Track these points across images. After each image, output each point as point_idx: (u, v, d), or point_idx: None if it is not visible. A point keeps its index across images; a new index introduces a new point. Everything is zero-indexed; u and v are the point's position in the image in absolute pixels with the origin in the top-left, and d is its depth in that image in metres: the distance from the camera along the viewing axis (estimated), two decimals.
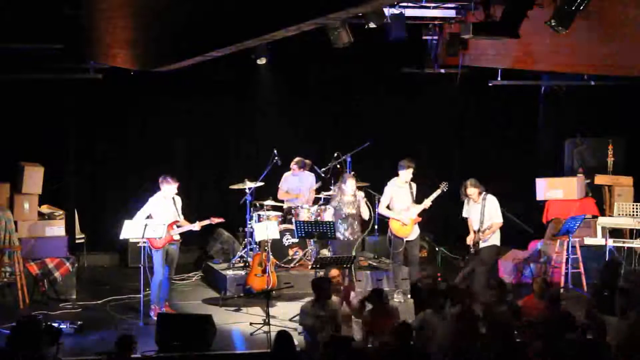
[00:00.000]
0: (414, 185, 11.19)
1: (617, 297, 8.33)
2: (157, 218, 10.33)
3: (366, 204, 11.24)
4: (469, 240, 10.75)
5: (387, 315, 8.53)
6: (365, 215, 11.14)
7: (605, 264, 10.56)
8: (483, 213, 10.65)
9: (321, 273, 9.84)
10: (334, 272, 9.02)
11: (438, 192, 11.05)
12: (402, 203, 11.11)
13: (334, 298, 8.76)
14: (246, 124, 13.99)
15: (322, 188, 12.56)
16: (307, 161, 12.44)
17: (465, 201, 10.86)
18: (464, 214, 10.92)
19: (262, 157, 12.46)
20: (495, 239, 10.73)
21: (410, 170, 11.04)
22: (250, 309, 10.70)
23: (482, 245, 10.65)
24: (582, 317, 8.34)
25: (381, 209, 11.27)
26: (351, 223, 11.05)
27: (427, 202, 11.05)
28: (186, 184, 11.84)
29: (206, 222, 10.57)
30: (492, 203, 10.72)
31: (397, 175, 11.18)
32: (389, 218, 11.19)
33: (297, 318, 9.08)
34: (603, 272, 9.96)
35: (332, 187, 12.20)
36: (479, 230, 10.67)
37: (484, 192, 10.71)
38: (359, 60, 12.83)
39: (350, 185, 11.01)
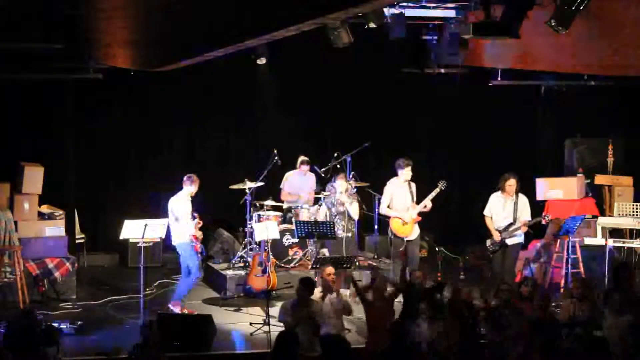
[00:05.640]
0: (413, 185, 11.19)
1: (617, 294, 8.33)
2: (187, 218, 10.40)
3: (359, 202, 11.30)
4: (496, 237, 10.74)
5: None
6: (355, 215, 11.18)
7: (615, 269, 10.43)
8: (516, 210, 10.72)
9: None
10: (329, 269, 9.01)
11: (437, 190, 11.07)
12: (402, 202, 11.12)
13: (320, 296, 8.76)
14: (246, 124, 14.00)
15: (322, 189, 12.56)
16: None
17: (493, 198, 10.87)
18: (486, 212, 10.90)
19: (262, 157, 12.47)
20: (521, 237, 10.86)
21: (409, 169, 11.06)
22: (250, 309, 10.71)
23: (510, 242, 10.73)
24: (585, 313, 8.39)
25: (382, 209, 11.27)
26: (341, 221, 11.08)
27: (427, 201, 11.07)
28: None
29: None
30: (525, 200, 10.85)
31: (396, 175, 11.19)
32: (389, 218, 11.20)
33: None
34: (615, 275, 9.81)
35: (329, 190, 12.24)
36: (507, 227, 10.69)
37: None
38: (359, 60, 12.82)
39: (339, 185, 11.09)
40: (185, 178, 10.59)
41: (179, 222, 10.40)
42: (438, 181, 11.13)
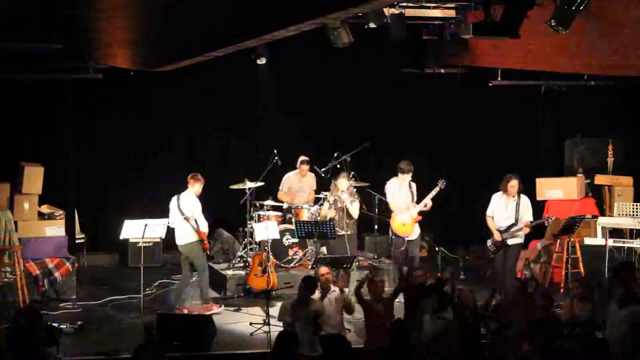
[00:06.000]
0: (413, 185, 11.23)
1: (618, 291, 8.34)
2: (201, 216, 10.52)
3: (360, 203, 11.34)
4: (497, 237, 10.78)
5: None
6: (354, 214, 11.20)
7: (615, 269, 10.45)
8: (518, 211, 10.76)
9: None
10: (323, 269, 9.03)
11: (437, 189, 11.09)
12: (402, 202, 11.14)
13: (318, 296, 8.78)
14: (246, 124, 14.00)
15: (322, 188, 12.57)
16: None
17: (495, 198, 10.91)
18: (489, 212, 10.94)
19: (262, 157, 12.47)
20: (522, 237, 10.90)
21: (410, 175, 11.12)
22: (250, 309, 10.71)
23: (511, 242, 10.79)
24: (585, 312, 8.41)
25: (392, 206, 11.29)
26: (341, 219, 11.10)
27: (427, 200, 11.09)
28: (186, 183, 11.87)
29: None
30: (527, 201, 10.90)
31: (396, 175, 11.22)
32: (390, 218, 11.22)
33: None
34: (615, 275, 9.81)
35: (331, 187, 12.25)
36: (508, 228, 10.75)
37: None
38: (359, 60, 12.82)
39: (342, 183, 11.11)
40: (189, 177, 10.63)
41: (191, 221, 10.42)
42: (438, 180, 11.15)
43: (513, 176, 10.78)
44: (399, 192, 11.18)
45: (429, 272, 11.53)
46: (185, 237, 10.51)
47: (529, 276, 11.57)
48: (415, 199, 11.18)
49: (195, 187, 10.55)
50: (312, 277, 8.91)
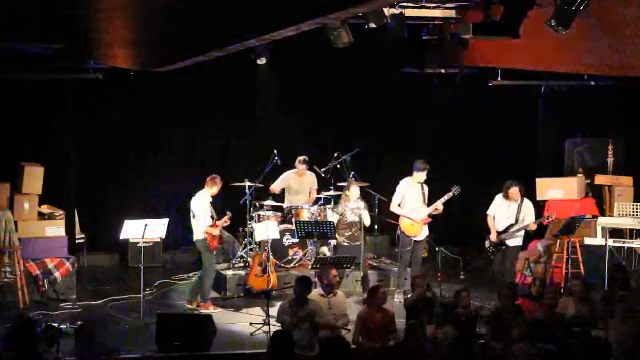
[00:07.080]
0: (425, 187, 11.24)
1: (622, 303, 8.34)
2: (203, 216, 10.58)
3: (367, 209, 11.36)
4: (493, 238, 10.84)
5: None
6: (367, 222, 11.20)
7: (611, 270, 10.50)
8: (519, 212, 10.94)
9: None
10: (335, 271, 9.08)
11: (450, 194, 11.11)
12: (413, 203, 11.15)
13: (317, 295, 8.78)
14: (246, 124, 14.00)
15: (322, 188, 12.57)
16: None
17: (498, 199, 11.03)
18: (490, 211, 11.10)
19: (262, 157, 12.47)
20: (520, 239, 11.06)
21: (425, 172, 11.14)
22: (250, 309, 10.71)
23: (510, 243, 10.94)
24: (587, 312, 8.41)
25: (393, 207, 11.29)
26: (354, 230, 11.09)
27: (438, 204, 11.10)
28: (186, 183, 11.88)
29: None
30: (530, 205, 11.07)
31: (409, 175, 11.22)
32: (399, 216, 11.22)
33: None
34: (614, 278, 9.85)
35: (331, 187, 12.24)
36: (507, 229, 10.85)
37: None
38: (359, 60, 12.82)
39: (354, 191, 11.12)
40: (208, 178, 10.77)
41: (196, 219, 10.60)
42: (451, 186, 11.15)
43: (513, 183, 10.86)
44: (412, 191, 11.15)
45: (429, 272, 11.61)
46: (195, 233, 10.74)
47: (529, 276, 11.57)
48: (426, 200, 11.20)
49: (212, 189, 10.70)
50: (306, 277, 8.91)
